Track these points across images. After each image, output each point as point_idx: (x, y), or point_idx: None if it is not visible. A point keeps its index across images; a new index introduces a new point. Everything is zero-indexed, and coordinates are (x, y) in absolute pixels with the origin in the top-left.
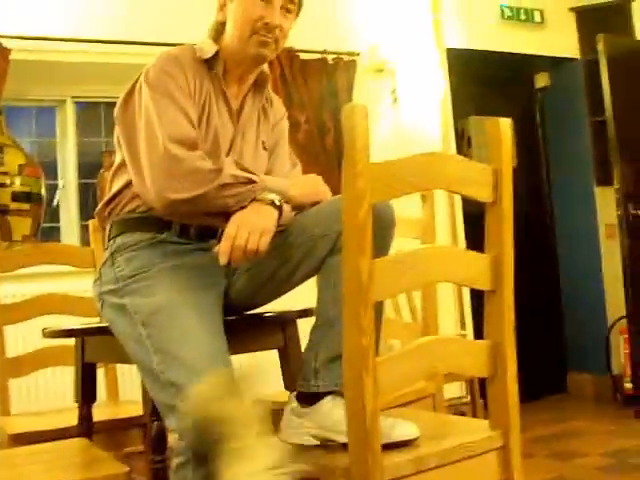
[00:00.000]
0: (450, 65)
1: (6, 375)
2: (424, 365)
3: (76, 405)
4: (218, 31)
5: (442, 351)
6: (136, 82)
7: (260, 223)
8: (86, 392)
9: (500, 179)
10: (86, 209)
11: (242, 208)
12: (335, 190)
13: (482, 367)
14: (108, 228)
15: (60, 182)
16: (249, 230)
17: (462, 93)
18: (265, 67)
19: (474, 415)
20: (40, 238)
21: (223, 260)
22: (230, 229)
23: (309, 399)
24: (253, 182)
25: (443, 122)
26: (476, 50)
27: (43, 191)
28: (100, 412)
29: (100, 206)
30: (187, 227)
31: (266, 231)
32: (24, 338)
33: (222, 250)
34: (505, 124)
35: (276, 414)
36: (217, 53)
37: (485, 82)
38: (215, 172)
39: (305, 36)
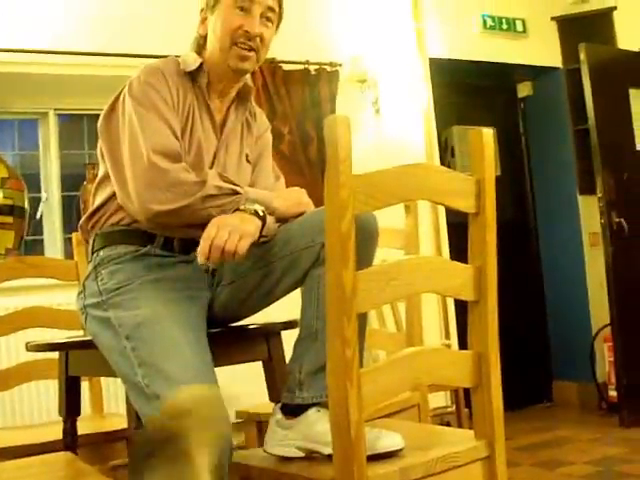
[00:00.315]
0: (433, 75)
1: None
2: (409, 376)
3: (61, 419)
4: (200, 45)
5: (426, 362)
6: (119, 94)
7: (241, 226)
8: (70, 406)
9: (483, 190)
10: (69, 222)
11: None
12: (319, 201)
13: (466, 377)
14: (91, 241)
15: (43, 195)
16: (229, 231)
17: (445, 103)
18: (248, 80)
19: (459, 425)
20: (23, 251)
21: (201, 260)
22: (210, 229)
23: (294, 411)
24: (237, 193)
25: (426, 132)
26: (458, 60)
27: (26, 204)
28: (85, 425)
29: (83, 219)
30: (171, 240)
31: (246, 234)
32: (8, 351)
33: (200, 250)
34: (488, 134)
35: (261, 426)
36: (201, 65)
37: (468, 92)
38: (199, 184)
39: (287, 47)
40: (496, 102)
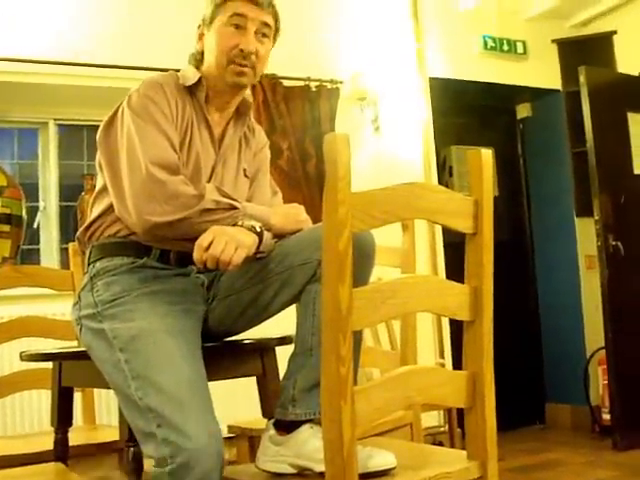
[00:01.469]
0: (432, 95)
1: None
2: (402, 395)
3: (52, 429)
4: (198, 60)
5: (421, 381)
6: (119, 107)
7: (238, 236)
8: (62, 416)
9: (481, 210)
10: (66, 232)
11: None
12: (316, 217)
13: (460, 397)
14: (88, 252)
15: (41, 204)
16: (226, 240)
17: (444, 123)
18: (248, 95)
19: (452, 445)
20: (20, 260)
21: (199, 267)
22: (206, 236)
23: (287, 427)
24: (235, 208)
25: (425, 151)
26: (458, 80)
27: (24, 213)
28: (76, 436)
29: (80, 231)
30: (167, 252)
31: (242, 245)
32: (2, 360)
33: (195, 257)
34: (486, 155)
35: (253, 441)
36: (200, 80)
37: (467, 112)
38: (197, 197)
39: (288, 63)
40: (495, 123)
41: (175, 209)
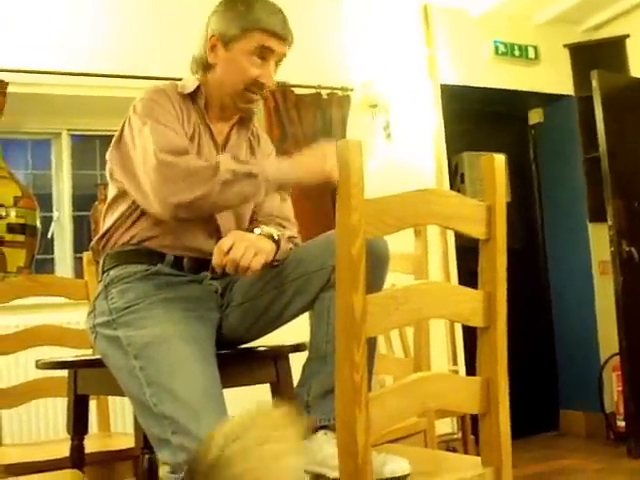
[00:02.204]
0: (444, 101)
1: None
2: (416, 401)
3: (68, 436)
4: (203, 68)
5: (434, 387)
6: (124, 125)
7: (257, 243)
8: (78, 424)
9: (494, 216)
10: (80, 241)
11: None
12: (329, 225)
13: (474, 403)
14: (102, 261)
15: (55, 214)
16: (246, 246)
17: (455, 129)
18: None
19: (465, 451)
20: (34, 270)
21: (218, 271)
22: (226, 241)
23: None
24: (253, 176)
25: (436, 157)
26: (470, 86)
27: (38, 223)
28: (92, 444)
29: (94, 241)
30: (180, 259)
31: (261, 251)
32: (17, 369)
33: (214, 261)
34: (499, 160)
35: None
36: (198, 87)
37: (479, 118)
38: (211, 168)
39: (299, 71)
40: (507, 129)
41: (192, 185)
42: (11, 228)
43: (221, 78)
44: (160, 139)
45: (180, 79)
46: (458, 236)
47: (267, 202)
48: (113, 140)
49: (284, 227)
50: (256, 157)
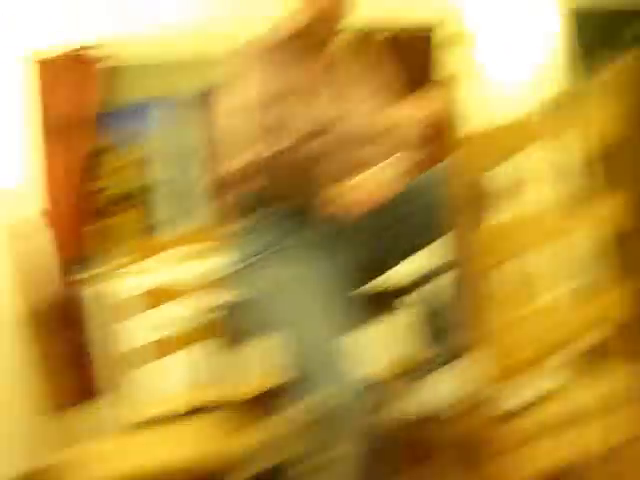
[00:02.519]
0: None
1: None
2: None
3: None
4: None
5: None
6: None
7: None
8: None
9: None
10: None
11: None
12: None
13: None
14: (236, 208)
15: (166, 175)
16: (370, 183)
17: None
18: None
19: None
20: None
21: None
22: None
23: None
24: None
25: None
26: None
27: (148, 186)
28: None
29: (219, 191)
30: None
31: (385, 186)
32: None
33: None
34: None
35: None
36: None
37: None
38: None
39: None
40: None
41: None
42: (120, 197)
43: None
44: None
45: None
46: None
47: None
48: (210, 97)
49: None
50: None
